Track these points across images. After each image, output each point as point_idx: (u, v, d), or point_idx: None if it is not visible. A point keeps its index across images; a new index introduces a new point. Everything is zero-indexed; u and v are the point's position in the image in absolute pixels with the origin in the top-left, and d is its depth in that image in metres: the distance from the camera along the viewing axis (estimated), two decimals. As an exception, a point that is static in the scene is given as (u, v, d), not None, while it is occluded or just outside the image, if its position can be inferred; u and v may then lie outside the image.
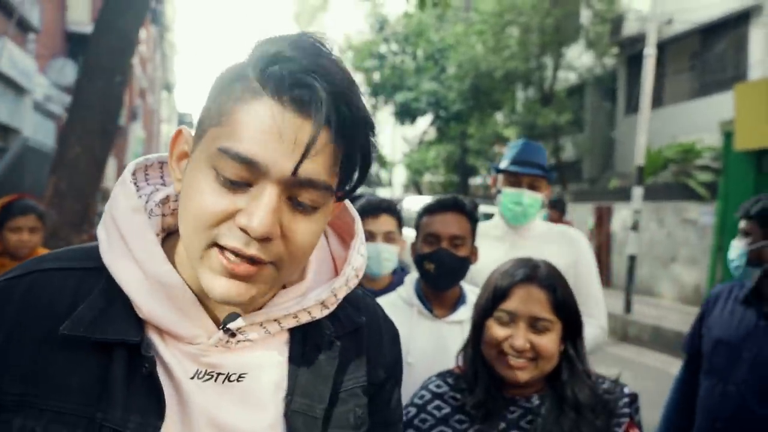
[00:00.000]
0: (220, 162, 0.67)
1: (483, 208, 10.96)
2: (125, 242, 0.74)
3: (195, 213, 0.68)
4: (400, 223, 2.26)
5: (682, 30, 13.14)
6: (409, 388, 1.82)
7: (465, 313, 1.86)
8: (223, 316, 0.75)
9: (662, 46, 12.63)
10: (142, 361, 0.71)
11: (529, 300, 1.30)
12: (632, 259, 9.14)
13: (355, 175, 0.74)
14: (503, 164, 2.34)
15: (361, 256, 0.83)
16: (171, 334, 0.74)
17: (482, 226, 2.41)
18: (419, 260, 1.85)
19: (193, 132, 0.76)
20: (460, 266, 1.82)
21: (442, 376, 1.44)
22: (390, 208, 2.22)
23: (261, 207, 0.65)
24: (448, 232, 1.81)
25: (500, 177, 2.35)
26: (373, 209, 2.20)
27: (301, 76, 0.66)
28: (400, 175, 24.02)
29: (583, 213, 12.69)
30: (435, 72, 18.19)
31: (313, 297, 0.79)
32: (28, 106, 9.60)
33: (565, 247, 2.30)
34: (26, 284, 0.73)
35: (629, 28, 14.31)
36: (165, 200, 0.81)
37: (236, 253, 0.67)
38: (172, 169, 0.77)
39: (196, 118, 0.76)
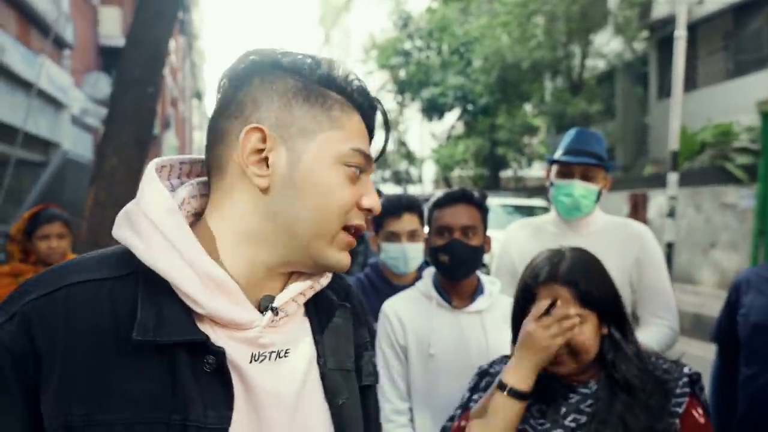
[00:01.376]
0: (352, 159, 0.83)
1: (515, 201, 10.84)
2: (171, 243, 0.74)
3: (337, 203, 0.81)
4: (422, 216, 2.24)
5: (714, 9, 12.78)
6: (432, 378, 1.85)
7: (483, 303, 1.88)
8: (258, 300, 0.82)
9: (694, 27, 12.32)
10: (205, 357, 0.73)
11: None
12: (670, 246, 8.95)
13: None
14: (556, 154, 2.22)
15: None
16: (230, 324, 0.77)
17: (536, 221, 2.36)
18: (433, 253, 1.88)
19: (267, 132, 0.78)
20: (473, 256, 1.84)
21: (503, 361, 1.47)
22: (411, 205, 2.22)
23: (372, 190, 0.86)
24: (459, 223, 1.84)
25: (553, 168, 2.24)
26: (394, 209, 2.20)
27: (371, 100, 0.88)
28: (429, 171, 23.97)
29: (617, 201, 12.46)
30: (461, 66, 18.08)
31: None
32: (66, 120, 9.92)
33: (627, 243, 2.15)
34: (62, 302, 0.73)
35: (659, 11, 13.98)
36: (181, 203, 0.83)
37: (355, 230, 0.85)
38: (245, 166, 0.78)
39: (269, 119, 0.79)
